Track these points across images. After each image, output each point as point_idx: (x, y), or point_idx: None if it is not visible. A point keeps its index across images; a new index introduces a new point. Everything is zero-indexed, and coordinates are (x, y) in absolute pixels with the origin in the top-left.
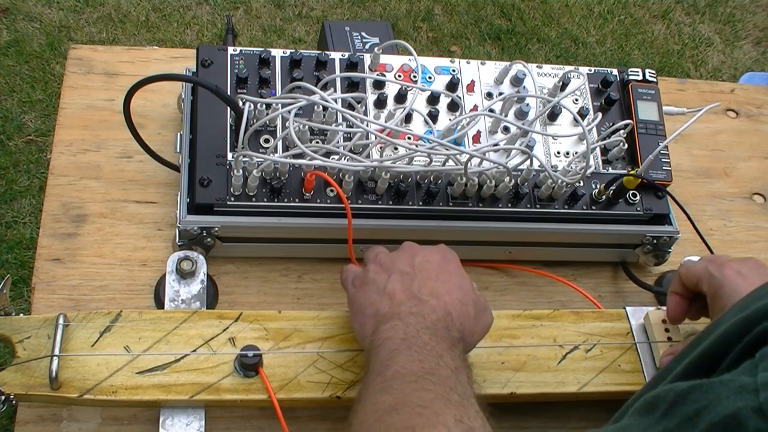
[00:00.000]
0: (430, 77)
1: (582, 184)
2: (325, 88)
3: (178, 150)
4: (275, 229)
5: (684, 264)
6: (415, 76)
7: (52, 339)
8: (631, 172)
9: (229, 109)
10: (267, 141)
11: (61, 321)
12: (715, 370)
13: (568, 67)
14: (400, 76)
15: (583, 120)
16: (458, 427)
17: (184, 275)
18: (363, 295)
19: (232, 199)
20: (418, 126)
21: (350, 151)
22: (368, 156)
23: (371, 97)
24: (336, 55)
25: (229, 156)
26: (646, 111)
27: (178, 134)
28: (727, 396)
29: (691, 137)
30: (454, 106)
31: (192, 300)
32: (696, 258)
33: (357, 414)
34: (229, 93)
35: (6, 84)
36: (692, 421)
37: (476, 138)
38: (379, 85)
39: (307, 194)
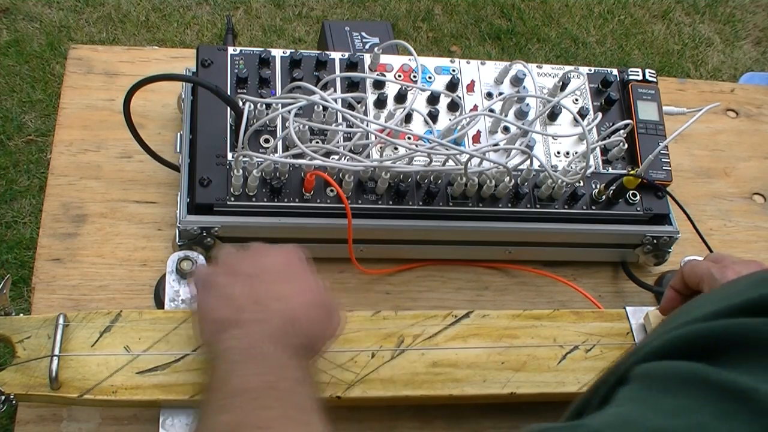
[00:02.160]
0: (430, 77)
1: (582, 184)
2: (325, 88)
3: (178, 150)
4: (275, 229)
5: (688, 262)
6: (415, 76)
7: (52, 339)
8: (631, 172)
9: (229, 109)
10: (267, 141)
11: (61, 321)
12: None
13: (568, 67)
14: (400, 76)
15: (583, 120)
16: None
17: (184, 275)
18: (207, 299)
19: (232, 199)
20: (418, 126)
21: (350, 151)
22: (368, 156)
23: (371, 97)
24: (336, 55)
25: (229, 156)
26: (646, 111)
27: (178, 134)
28: None
29: (691, 137)
30: (454, 106)
31: (192, 300)
32: (693, 257)
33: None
34: (229, 93)
35: (6, 84)
36: None
37: (476, 138)
38: (379, 85)
39: (307, 194)
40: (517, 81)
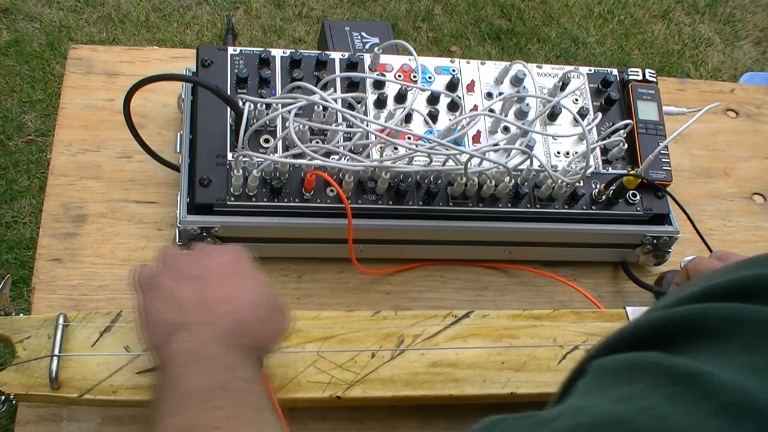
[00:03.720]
0: (430, 77)
1: (582, 184)
2: (325, 88)
3: (178, 150)
4: (275, 229)
5: (692, 260)
6: (415, 76)
7: (52, 339)
8: (631, 172)
9: (229, 109)
10: (267, 141)
11: (61, 321)
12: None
13: (568, 67)
14: (400, 76)
15: (583, 120)
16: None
17: None
18: (151, 302)
19: (232, 199)
20: (418, 126)
21: (350, 151)
22: (368, 156)
23: (371, 97)
24: (336, 55)
25: (229, 156)
26: (646, 111)
27: (178, 134)
28: (522, 430)
29: (691, 137)
30: (454, 106)
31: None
32: (692, 257)
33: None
34: (229, 93)
35: (6, 84)
36: None
37: (476, 138)
38: (379, 85)
39: (307, 194)
40: (517, 81)
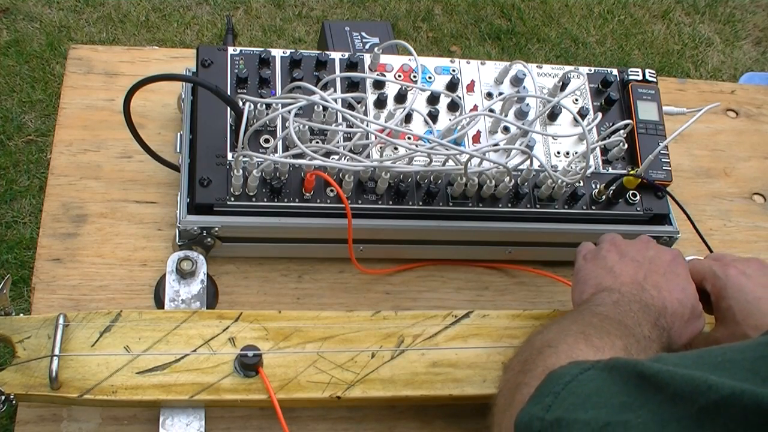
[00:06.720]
0: (430, 77)
1: (582, 184)
2: (325, 88)
3: (178, 150)
4: (275, 229)
5: (690, 261)
6: (415, 76)
7: (52, 339)
8: (631, 172)
9: (229, 109)
10: (267, 141)
11: (61, 321)
12: None
13: (568, 67)
14: (400, 76)
15: (583, 120)
16: (624, 352)
17: (184, 275)
18: (590, 268)
19: (232, 199)
20: (418, 126)
21: (350, 151)
22: (368, 156)
23: (371, 97)
24: (336, 55)
25: (229, 156)
26: (646, 111)
27: (178, 134)
28: None
29: (691, 137)
30: (454, 106)
31: (192, 300)
32: (692, 257)
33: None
34: (229, 93)
35: (6, 84)
36: None
37: (476, 138)
38: (379, 85)
39: (307, 194)
40: (517, 81)
